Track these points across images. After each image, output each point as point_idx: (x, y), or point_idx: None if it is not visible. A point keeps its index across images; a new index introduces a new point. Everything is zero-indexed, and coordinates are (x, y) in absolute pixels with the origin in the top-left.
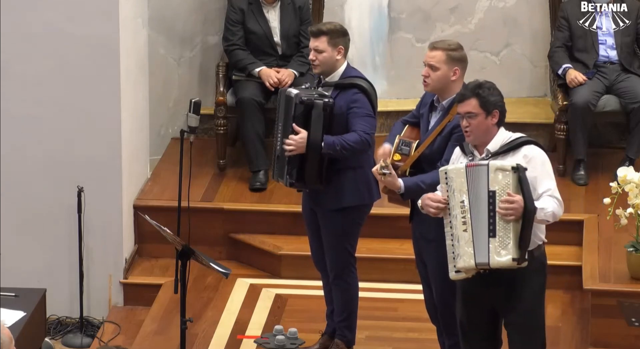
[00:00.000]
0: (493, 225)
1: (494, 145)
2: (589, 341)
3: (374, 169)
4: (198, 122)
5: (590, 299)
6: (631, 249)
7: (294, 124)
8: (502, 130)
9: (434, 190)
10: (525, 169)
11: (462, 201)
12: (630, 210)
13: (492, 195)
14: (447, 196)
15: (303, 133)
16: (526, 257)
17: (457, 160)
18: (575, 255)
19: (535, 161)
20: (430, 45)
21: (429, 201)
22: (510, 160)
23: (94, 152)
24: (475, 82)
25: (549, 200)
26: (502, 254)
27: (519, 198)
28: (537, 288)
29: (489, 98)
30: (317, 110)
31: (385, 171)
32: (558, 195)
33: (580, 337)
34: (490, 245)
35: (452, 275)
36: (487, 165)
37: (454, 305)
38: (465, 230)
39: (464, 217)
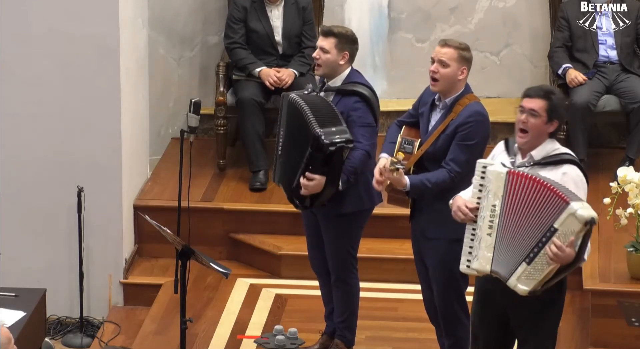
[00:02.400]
0: (535, 254)
1: (538, 153)
2: (589, 341)
3: (382, 166)
4: (198, 122)
5: (590, 299)
6: (631, 249)
7: (306, 175)
8: (550, 140)
9: (438, 189)
10: (595, 223)
11: (494, 206)
12: (630, 210)
13: (552, 230)
14: (479, 190)
15: (320, 181)
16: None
17: (499, 155)
18: None
19: (571, 182)
20: (441, 42)
21: (457, 209)
22: (551, 175)
23: (94, 152)
24: (547, 86)
25: None
26: (525, 283)
27: (570, 252)
28: (554, 300)
29: (557, 108)
30: (338, 157)
31: (398, 166)
32: None
33: (580, 337)
34: (519, 268)
35: (463, 268)
36: (569, 204)
37: (455, 305)
38: (489, 235)
39: (491, 221)
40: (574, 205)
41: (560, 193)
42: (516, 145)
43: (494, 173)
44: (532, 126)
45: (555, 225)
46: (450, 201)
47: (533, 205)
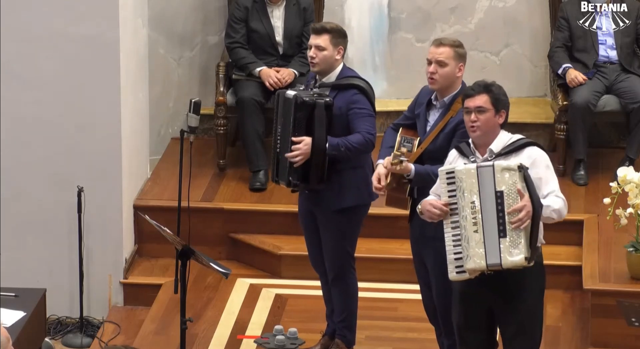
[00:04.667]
0: (503, 225)
1: (496, 146)
2: (589, 341)
3: (385, 162)
4: (198, 122)
5: (590, 299)
6: (631, 249)
7: (294, 137)
8: (503, 131)
9: None
10: (527, 168)
11: (473, 202)
12: (630, 210)
13: (499, 195)
14: (449, 196)
15: (307, 140)
16: (534, 257)
17: (454, 162)
18: (575, 255)
19: (539, 162)
20: (435, 42)
21: (430, 207)
22: (513, 161)
23: (94, 152)
24: (482, 81)
25: (555, 199)
26: (514, 253)
27: (524, 201)
28: (537, 289)
29: (499, 97)
30: (319, 110)
31: (402, 158)
32: (562, 195)
33: (580, 337)
34: (501, 245)
35: (453, 275)
36: (492, 165)
37: None
38: (476, 231)
39: (474, 218)
40: (497, 162)
41: (485, 164)
42: (472, 145)
43: (465, 172)
44: (484, 122)
45: (498, 188)
46: (418, 208)
47: (487, 186)
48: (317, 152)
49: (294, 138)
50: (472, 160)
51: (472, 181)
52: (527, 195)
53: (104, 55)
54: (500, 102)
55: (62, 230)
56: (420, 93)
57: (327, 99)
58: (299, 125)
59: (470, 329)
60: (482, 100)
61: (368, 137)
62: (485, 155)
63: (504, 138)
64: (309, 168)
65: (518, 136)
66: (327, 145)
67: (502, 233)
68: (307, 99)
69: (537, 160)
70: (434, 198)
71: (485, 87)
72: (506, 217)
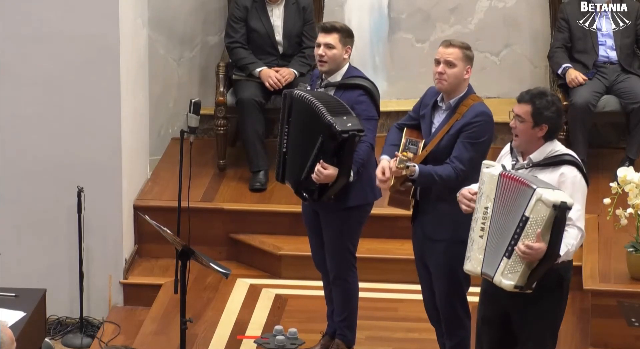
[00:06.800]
0: (512, 246)
1: (537, 156)
2: (589, 341)
3: (392, 165)
4: (198, 122)
5: (590, 299)
6: (631, 249)
7: (321, 162)
8: (550, 142)
9: (444, 184)
10: (569, 208)
11: (487, 208)
12: (630, 210)
13: (524, 220)
14: (478, 189)
15: (333, 171)
16: (533, 286)
17: (505, 156)
18: (575, 255)
19: (569, 183)
20: (445, 43)
21: (461, 197)
22: (549, 177)
23: (94, 152)
24: (542, 89)
25: (573, 235)
26: (508, 277)
27: (540, 247)
28: (556, 302)
29: (542, 111)
30: (350, 143)
31: (408, 164)
32: (581, 224)
33: (580, 337)
34: (501, 263)
35: (466, 266)
36: (534, 190)
37: (457, 306)
38: (481, 236)
39: (483, 223)
40: (539, 190)
41: (528, 183)
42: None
43: (488, 176)
44: (520, 131)
45: (526, 214)
46: (458, 195)
47: (514, 202)
48: (341, 181)
49: (322, 163)
50: (512, 162)
51: (492, 188)
52: (540, 245)
53: (104, 55)
54: (541, 116)
55: (62, 230)
56: (426, 94)
57: (360, 130)
58: (325, 151)
59: (487, 326)
60: (522, 109)
61: (370, 142)
62: (524, 162)
63: (546, 149)
64: (325, 190)
65: (564, 151)
66: (351, 173)
67: (507, 253)
68: (341, 130)
69: (567, 180)
70: (474, 186)
71: (532, 98)
72: (519, 242)
